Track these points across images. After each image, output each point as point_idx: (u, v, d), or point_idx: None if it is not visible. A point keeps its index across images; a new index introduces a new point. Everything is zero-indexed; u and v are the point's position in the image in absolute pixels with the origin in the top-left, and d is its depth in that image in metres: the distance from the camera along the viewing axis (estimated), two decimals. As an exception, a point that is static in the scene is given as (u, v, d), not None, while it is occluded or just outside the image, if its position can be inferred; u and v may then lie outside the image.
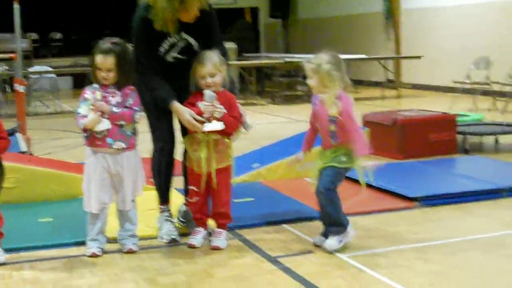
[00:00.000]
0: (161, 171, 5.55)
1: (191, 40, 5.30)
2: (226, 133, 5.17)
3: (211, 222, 5.37)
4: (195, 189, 5.24)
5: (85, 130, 5.01)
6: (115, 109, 4.98)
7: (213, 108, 5.04)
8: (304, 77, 5.22)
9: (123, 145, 5.05)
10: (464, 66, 14.54)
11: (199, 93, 5.17)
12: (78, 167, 6.54)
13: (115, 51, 5.00)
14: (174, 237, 5.37)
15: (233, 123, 5.18)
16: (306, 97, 15.79)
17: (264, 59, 19.38)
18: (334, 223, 5.05)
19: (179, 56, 5.31)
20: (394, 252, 4.99)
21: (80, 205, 5.18)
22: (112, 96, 5.03)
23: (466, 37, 16.15)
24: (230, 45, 17.35)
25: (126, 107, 5.03)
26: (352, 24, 20.57)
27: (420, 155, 8.40)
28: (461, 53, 16.11)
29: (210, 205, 5.33)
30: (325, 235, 5.09)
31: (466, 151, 8.73)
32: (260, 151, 8.26)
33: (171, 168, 5.55)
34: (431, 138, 8.61)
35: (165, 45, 5.26)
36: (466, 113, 10.64)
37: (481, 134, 9.18)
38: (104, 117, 4.95)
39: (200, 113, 5.07)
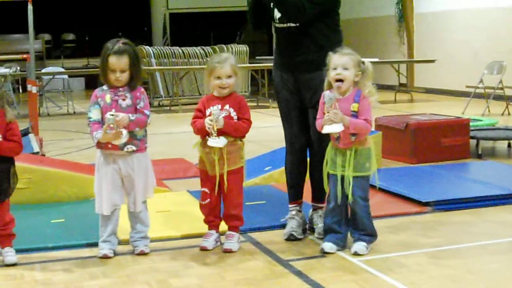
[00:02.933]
0: (286, 170, 5.66)
1: None
2: (239, 135, 5.17)
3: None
4: (207, 191, 5.24)
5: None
6: (131, 117, 4.97)
7: (216, 125, 5.01)
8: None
9: (134, 148, 5.06)
10: (477, 70, 14.50)
11: (211, 98, 5.18)
12: (90, 168, 6.55)
13: (128, 51, 5.01)
14: (292, 233, 5.40)
15: (242, 127, 5.16)
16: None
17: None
18: (369, 233, 5.05)
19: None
20: (406, 257, 4.97)
21: (92, 206, 5.18)
22: (123, 99, 5.04)
23: (479, 42, 16.10)
24: (242, 48, 17.39)
25: (137, 110, 5.04)
26: (365, 28, 20.55)
27: (433, 159, 8.37)
28: (474, 58, 16.06)
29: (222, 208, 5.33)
30: (335, 238, 5.06)
31: (479, 156, 8.70)
32: (271, 154, 8.24)
33: (299, 168, 5.60)
34: (443, 142, 8.58)
35: None
36: (479, 118, 10.59)
37: (494, 139, 9.14)
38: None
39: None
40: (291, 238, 5.40)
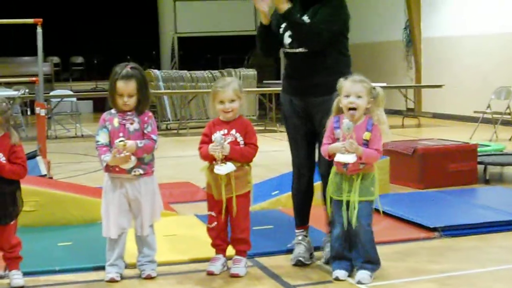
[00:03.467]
0: (293, 195, 5.70)
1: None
2: (245, 160, 5.17)
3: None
4: (213, 214, 5.23)
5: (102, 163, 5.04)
6: (139, 144, 4.98)
7: (221, 149, 5.02)
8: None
9: (141, 171, 5.07)
10: (484, 95, 14.50)
11: (217, 122, 5.20)
12: (97, 191, 6.53)
13: (136, 76, 5.03)
14: (300, 259, 5.40)
15: (249, 152, 5.16)
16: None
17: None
18: (373, 260, 5.01)
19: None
20: (414, 283, 4.95)
21: (100, 230, 5.18)
22: (130, 123, 5.06)
23: (486, 67, 16.12)
24: (250, 72, 17.43)
25: (144, 134, 5.05)
26: (372, 52, 20.59)
27: (440, 185, 8.35)
28: (481, 83, 16.06)
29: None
30: (346, 265, 5.03)
31: (486, 181, 8.68)
32: (279, 178, 8.23)
33: (305, 194, 5.65)
34: (451, 168, 8.57)
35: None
36: (487, 143, 10.58)
37: (502, 164, 9.12)
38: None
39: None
40: (298, 264, 5.39)
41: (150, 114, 5.14)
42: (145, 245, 5.18)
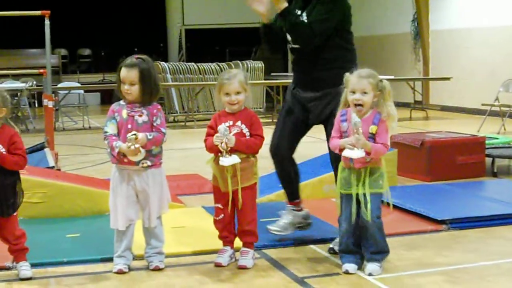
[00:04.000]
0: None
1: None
2: (251, 152, 5.18)
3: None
4: (220, 206, 5.24)
5: (114, 150, 5.04)
6: (149, 136, 4.99)
7: (225, 140, 5.02)
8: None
9: (149, 163, 5.07)
10: (492, 88, 14.46)
11: (223, 114, 5.20)
12: (105, 183, 6.55)
13: (139, 65, 5.03)
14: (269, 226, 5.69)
15: (254, 143, 5.15)
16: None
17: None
18: (381, 251, 5.02)
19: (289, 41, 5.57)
20: (422, 275, 4.95)
21: (107, 221, 5.19)
22: (139, 115, 5.06)
23: (495, 59, 16.09)
24: (257, 64, 17.41)
25: (153, 126, 5.06)
26: (380, 45, 20.56)
27: (448, 177, 8.34)
28: (489, 75, 16.03)
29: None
30: (355, 258, 5.04)
31: (494, 174, 8.67)
32: (287, 170, 8.22)
33: (282, 175, 5.82)
34: (459, 160, 8.56)
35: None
36: (495, 136, 10.55)
37: (510, 157, 9.09)
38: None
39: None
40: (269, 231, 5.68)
41: (159, 106, 5.14)
42: (153, 236, 5.19)
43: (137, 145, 4.92)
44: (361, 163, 4.91)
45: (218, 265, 5.18)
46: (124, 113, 5.07)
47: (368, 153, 4.83)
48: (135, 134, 4.92)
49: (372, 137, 4.89)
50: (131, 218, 5.13)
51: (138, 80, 5.00)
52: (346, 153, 4.89)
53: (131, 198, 5.12)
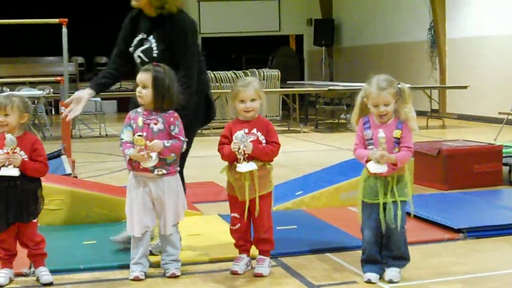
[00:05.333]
0: None
1: (153, 44, 5.52)
2: (268, 159, 5.17)
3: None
4: (237, 215, 5.23)
5: (126, 157, 5.06)
6: (166, 144, 5.00)
7: (243, 147, 5.00)
8: (348, 105, 5.18)
9: (164, 171, 5.08)
10: (509, 96, 14.42)
11: (237, 122, 5.20)
12: (121, 191, 6.57)
13: (154, 70, 5.06)
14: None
15: (271, 150, 5.14)
16: (350, 125, 15.76)
17: (308, 86, 19.43)
18: (403, 257, 5.02)
19: (143, 56, 5.53)
20: (439, 284, 4.93)
21: (124, 228, 5.20)
22: (155, 123, 5.06)
23: (511, 67, 16.02)
24: (273, 72, 17.43)
25: (171, 136, 5.06)
26: (396, 53, 20.53)
27: (465, 186, 8.31)
28: (506, 84, 15.99)
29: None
30: (378, 268, 5.02)
31: (511, 183, 8.63)
32: (303, 178, 8.24)
33: None
34: (476, 169, 8.53)
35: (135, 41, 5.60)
36: (512, 145, 10.51)
37: (527, 166, 9.05)
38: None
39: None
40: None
41: (176, 115, 5.11)
42: (169, 244, 5.19)
43: (153, 154, 4.93)
44: (389, 172, 4.89)
45: (234, 273, 5.18)
46: (140, 120, 5.08)
47: (394, 165, 4.83)
48: (141, 135, 4.93)
49: (397, 142, 4.89)
50: (147, 225, 5.13)
51: (151, 84, 5.02)
52: (370, 166, 4.87)
53: (147, 205, 5.12)
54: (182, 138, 5.08)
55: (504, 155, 8.86)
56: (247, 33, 24.96)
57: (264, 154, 5.11)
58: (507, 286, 4.90)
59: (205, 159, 10.63)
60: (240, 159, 5.03)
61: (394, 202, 4.91)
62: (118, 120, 18.09)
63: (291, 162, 9.83)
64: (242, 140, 4.99)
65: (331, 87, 16.87)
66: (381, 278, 4.98)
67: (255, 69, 17.71)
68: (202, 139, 14.66)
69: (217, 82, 17.00)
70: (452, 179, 8.41)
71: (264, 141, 5.14)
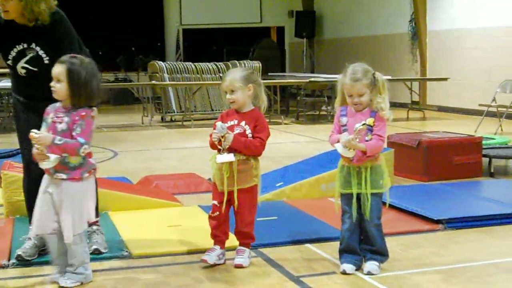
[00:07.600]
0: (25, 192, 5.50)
1: (40, 51, 5.27)
2: (250, 154, 5.13)
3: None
4: (216, 203, 5.18)
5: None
6: (57, 141, 4.55)
7: (222, 138, 4.99)
8: (329, 97, 5.19)
9: (63, 176, 4.67)
10: (490, 89, 14.50)
11: (231, 113, 5.19)
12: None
13: (68, 62, 4.68)
14: (20, 253, 5.16)
15: (254, 145, 5.09)
16: (330, 117, 15.80)
17: (289, 78, 19.44)
18: (381, 252, 5.02)
19: (29, 67, 5.27)
20: (419, 274, 4.95)
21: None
22: (59, 122, 4.68)
23: (492, 60, 16.10)
24: (255, 64, 17.43)
25: (72, 136, 4.63)
26: (377, 45, 20.56)
27: (445, 177, 8.35)
28: (487, 76, 16.06)
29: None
30: (354, 259, 5.03)
31: (491, 174, 8.68)
32: (284, 170, 8.25)
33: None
34: (456, 160, 8.56)
35: (13, 53, 5.27)
36: (492, 136, 10.57)
37: (507, 157, 9.09)
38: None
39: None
40: (18, 258, 5.16)
41: (84, 113, 4.66)
42: (70, 253, 4.74)
43: (51, 154, 4.55)
44: (360, 159, 4.90)
45: (204, 262, 5.12)
46: (50, 117, 4.73)
47: (364, 152, 4.83)
48: (36, 132, 4.52)
49: (371, 129, 4.89)
50: (45, 228, 4.73)
51: (65, 78, 4.63)
52: (338, 149, 4.88)
53: (45, 207, 4.71)
54: (81, 140, 4.61)
55: (484, 146, 8.91)
56: (229, 24, 24.93)
57: (245, 148, 5.06)
58: (486, 276, 4.92)
59: (186, 150, 10.60)
60: (221, 149, 5.02)
61: (368, 195, 4.92)
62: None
63: (272, 154, 9.83)
64: (222, 130, 4.97)
65: (312, 79, 16.89)
66: (359, 269, 4.99)
67: (236, 61, 17.70)
68: (183, 131, 14.66)
69: (198, 73, 16.98)
70: (432, 171, 8.45)
71: (250, 135, 5.11)
